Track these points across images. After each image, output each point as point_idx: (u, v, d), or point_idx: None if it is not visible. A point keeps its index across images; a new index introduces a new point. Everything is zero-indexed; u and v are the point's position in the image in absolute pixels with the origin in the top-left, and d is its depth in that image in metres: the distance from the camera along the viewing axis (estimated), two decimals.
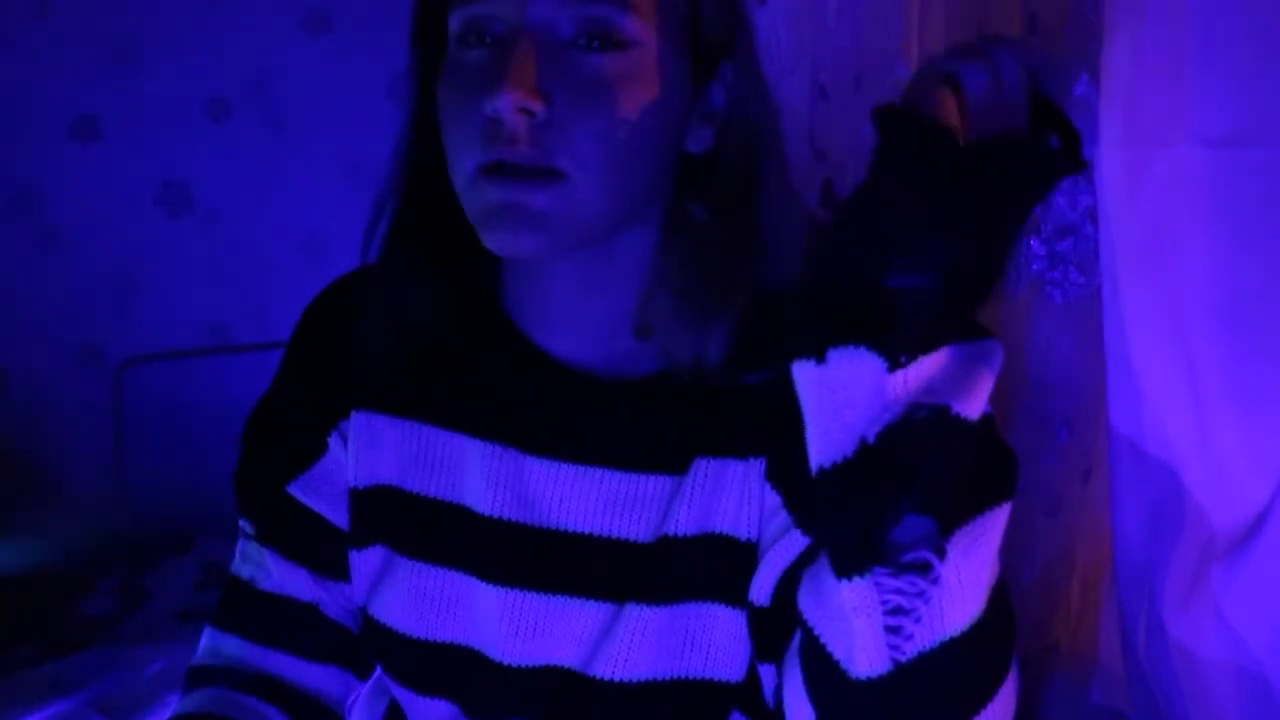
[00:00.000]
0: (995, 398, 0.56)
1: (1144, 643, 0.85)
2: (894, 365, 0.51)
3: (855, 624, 0.52)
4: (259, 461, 0.77)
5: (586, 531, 0.68)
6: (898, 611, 0.52)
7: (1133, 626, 0.87)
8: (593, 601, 0.68)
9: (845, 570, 0.52)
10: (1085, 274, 1.05)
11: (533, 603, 0.69)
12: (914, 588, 0.52)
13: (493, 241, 0.62)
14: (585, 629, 0.69)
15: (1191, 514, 0.81)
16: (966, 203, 0.51)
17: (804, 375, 0.54)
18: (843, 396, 0.52)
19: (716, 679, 0.69)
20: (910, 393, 0.52)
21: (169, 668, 1.63)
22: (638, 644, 0.68)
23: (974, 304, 0.54)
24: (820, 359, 0.52)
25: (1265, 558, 0.75)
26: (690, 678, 0.69)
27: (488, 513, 0.70)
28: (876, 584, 0.52)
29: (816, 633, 0.55)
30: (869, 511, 0.52)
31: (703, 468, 0.67)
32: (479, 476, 0.70)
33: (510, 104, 0.58)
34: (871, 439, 0.52)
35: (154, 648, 1.71)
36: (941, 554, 0.52)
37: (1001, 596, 0.55)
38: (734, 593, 0.67)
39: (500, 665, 0.70)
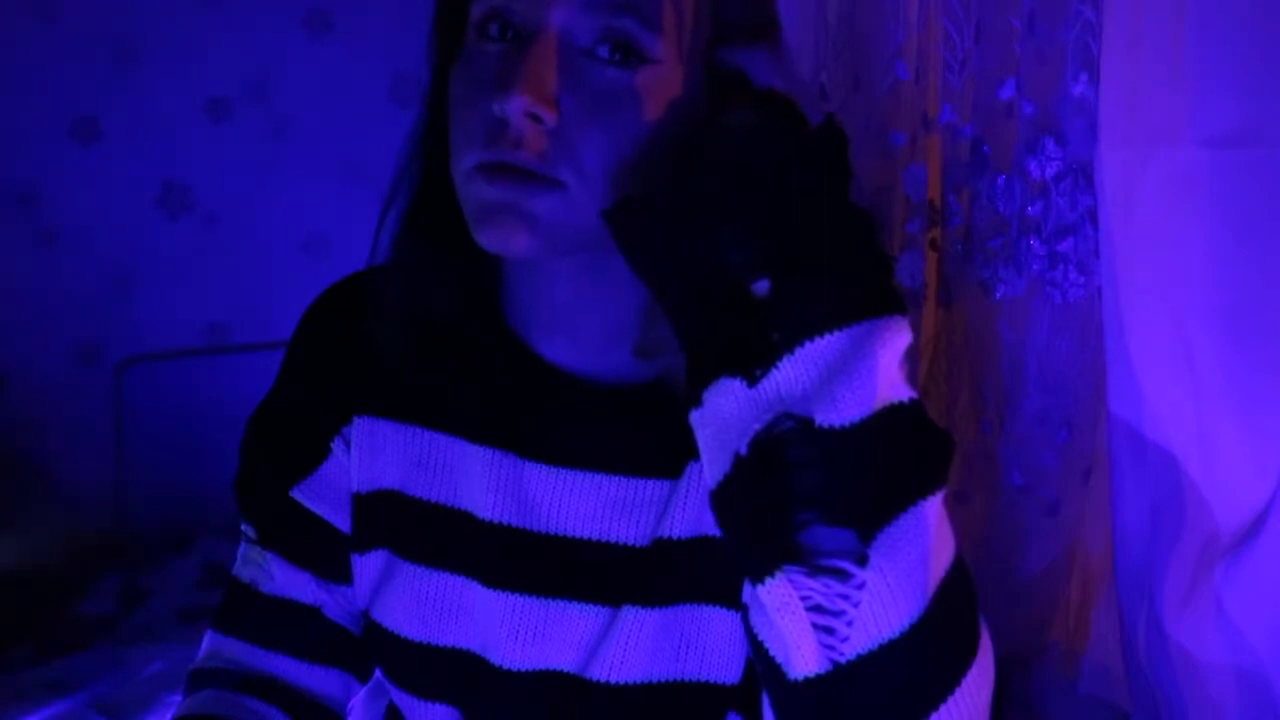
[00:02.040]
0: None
1: (1144, 643, 0.85)
2: (752, 380, 0.52)
3: (781, 624, 0.52)
4: (261, 466, 0.77)
5: (585, 536, 0.68)
6: (820, 610, 0.52)
7: (1133, 626, 0.87)
8: (591, 606, 0.68)
9: (757, 574, 0.53)
10: (1085, 274, 1.05)
11: (532, 607, 0.69)
12: (831, 588, 0.51)
13: (484, 238, 0.61)
14: (583, 633, 0.69)
15: (1191, 514, 0.81)
16: (751, 199, 0.53)
17: (694, 422, 0.56)
18: (721, 424, 0.54)
19: (713, 681, 0.69)
20: (780, 399, 0.52)
21: (169, 668, 1.63)
22: (634, 646, 0.68)
23: (818, 299, 0.53)
24: (698, 404, 0.55)
25: (1265, 558, 0.75)
26: (686, 679, 0.69)
27: (488, 517, 0.70)
28: (791, 581, 0.52)
29: (760, 638, 0.55)
30: (762, 517, 0.53)
31: (697, 471, 0.67)
32: (479, 481, 0.70)
33: (519, 108, 0.57)
34: (743, 450, 0.53)
35: (154, 648, 1.71)
36: (863, 561, 0.51)
37: (953, 591, 0.53)
38: (728, 595, 0.67)
39: (501, 670, 0.70)
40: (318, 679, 0.76)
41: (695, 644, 0.68)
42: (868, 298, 0.53)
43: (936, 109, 1.18)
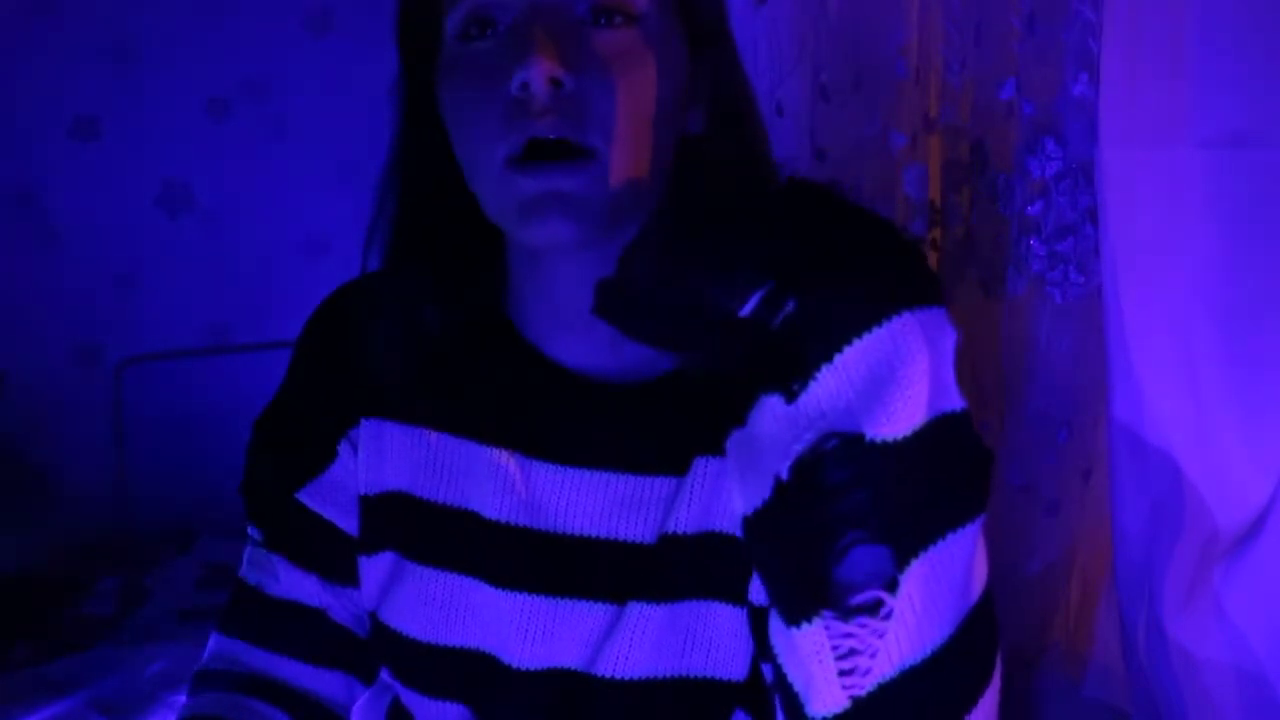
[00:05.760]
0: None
1: (1144, 643, 0.85)
2: (790, 396, 0.49)
3: (810, 668, 0.51)
4: (268, 469, 0.77)
5: (592, 534, 0.69)
6: (851, 654, 0.49)
7: (1133, 626, 0.87)
8: (599, 604, 0.69)
9: (793, 618, 0.51)
10: (1085, 274, 1.05)
11: (541, 606, 0.69)
12: (866, 627, 0.49)
13: (531, 235, 0.61)
14: (591, 630, 0.69)
15: (1191, 514, 0.81)
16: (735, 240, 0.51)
17: (733, 444, 0.53)
18: (758, 444, 0.51)
19: (719, 677, 0.69)
20: (823, 414, 0.48)
21: (169, 668, 1.63)
22: (639, 642, 0.68)
23: (849, 297, 0.48)
24: (742, 424, 0.52)
25: (1265, 558, 0.75)
26: (693, 676, 0.69)
27: (495, 518, 0.70)
28: (826, 628, 0.50)
29: (781, 663, 0.54)
30: (801, 551, 0.49)
31: (702, 467, 0.67)
32: (486, 482, 0.70)
33: (542, 73, 0.57)
34: (785, 474, 0.49)
35: (154, 648, 1.71)
36: (894, 588, 0.48)
37: (979, 617, 0.51)
38: (734, 591, 0.67)
39: (511, 669, 0.70)
40: (322, 681, 0.76)
41: (701, 640, 0.68)
42: (901, 289, 0.48)
43: (936, 109, 1.18)
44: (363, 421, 0.74)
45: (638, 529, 0.68)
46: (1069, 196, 1.05)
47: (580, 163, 0.59)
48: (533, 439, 0.69)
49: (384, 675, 0.78)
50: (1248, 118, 0.74)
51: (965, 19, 1.12)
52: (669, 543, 0.68)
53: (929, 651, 0.50)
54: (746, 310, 0.49)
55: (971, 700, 0.52)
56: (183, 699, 0.77)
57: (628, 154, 0.60)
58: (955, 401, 0.50)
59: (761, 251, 0.50)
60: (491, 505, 0.70)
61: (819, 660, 0.50)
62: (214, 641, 0.78)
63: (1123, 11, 0.81)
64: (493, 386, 0.71)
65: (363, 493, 0.74)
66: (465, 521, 0.71)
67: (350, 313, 0.76)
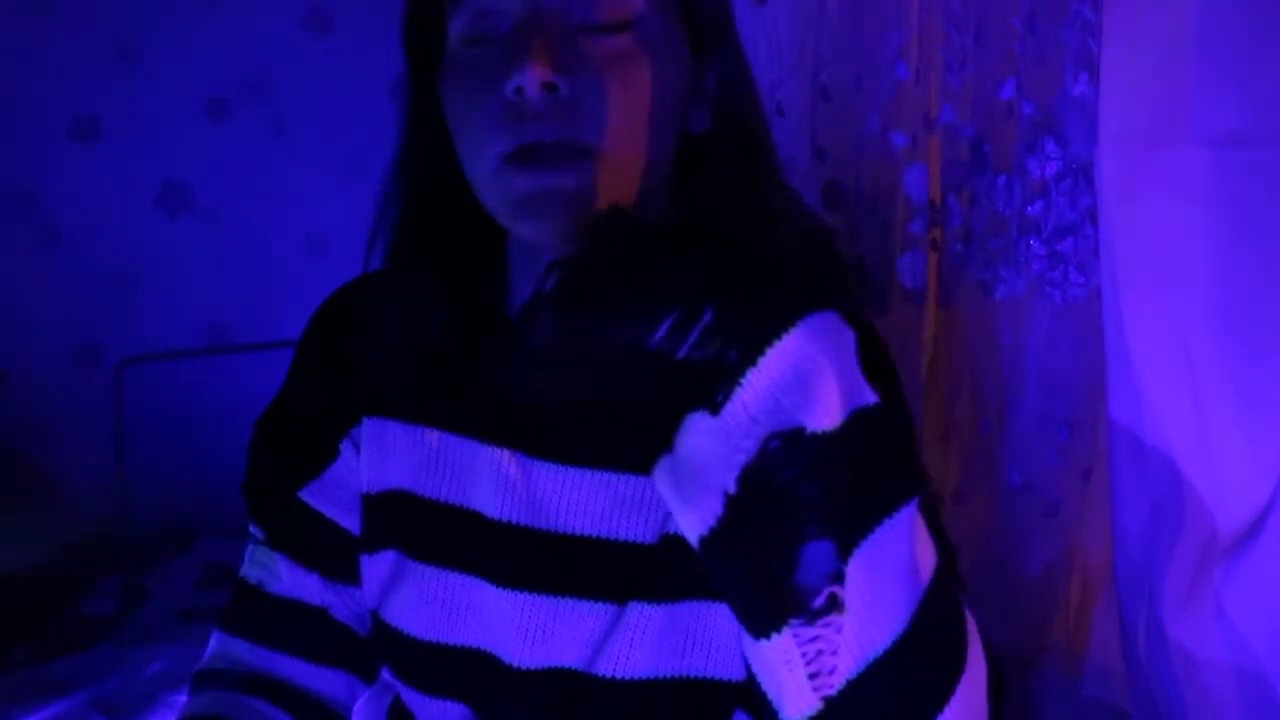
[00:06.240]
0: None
1: (1144, 643, 0.85)
2: (715, 409, 0.49)
3: (780, 676, 0.51)
4: (270, 467, 0.77)
5: (593, 534, 0.69)
6: (819, 656, 0.49)
7: (1133, 626, 0.87)
8: (600, 604, 0.69)
9: (762, 630, 0.51)
10: (1085, 274, 1.05)
11: (541, 606, 0.69)
12: (830, 627, 0.49)
13: (526, 229, 0.62)
14: (591, 630, 0.69)
15: (1191, 514, 0.81)
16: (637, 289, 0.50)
17: (661, 477, 0.52)
18: (694, 466, 0.50)
19: (718, 678, 0.69)
20: (754, 420, 0.48)
21: (169, 668, 1.63)
22: (639, 642, 0.68)
23: (766, 302, 0.49)
24: (668, 450, 0.51)
25: (1265, 558, 0.75)
26: (692, 676, 0.69)
27: (496, 517, 0.70)
28: (795, 635, 0.50)
29: (753, 669, 0.54)
30: (763, 561, 0.49)
31: None
32: (488, 481, 0.70)
33: (535, 78, 0.58)
34: (734, 487, 0.49)
35: (154, 648, 1.71)
36: (840, 579, 0.48)
37: (934, 600, 0.51)
38: None
39: (511, 668, 0.70)
40: (324, 680, 0.76)
41: (701, 640, 0.68)
42: (810, 293, 0.50)
43: (937, 109, 1.18)
44: (365, 420, 0.74)
45: (638, 529, 0.68)
46: (1069, 196, 1.05)
47: (577, 161, 0.60)
48: (534, 438, 0.69)
49: (385, 674, 0.78)
50: (1248, 118, 0.74)
51: (965, 19, 1.12)
52: (669, 543, 0.68)
53: (890, 641, 0.50)
54: (658, 337, 0.49)
55: (946, 690, 0.52)
56: (183, 699, 0.76)
57: (623, 153, 0.61)
58: (869, 395, 0.51)
59: (669, 277, 0.50)
60: (492, 504, 0.70)
61: (789, 668, 0.50)
62: (215, 640, 0.78)
63: (1123, 11, 0.81)
64: (494, 386, 0.71)
65: (364, 491, 0.74)
66: (466, 520, 0.71)
67: (352, 312, 0.76)
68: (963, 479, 1.17)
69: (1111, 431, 0.86)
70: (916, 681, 0.51)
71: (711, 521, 0.50)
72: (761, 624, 0.51)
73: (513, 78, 0.59)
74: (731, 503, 0.49)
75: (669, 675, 0.69)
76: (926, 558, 0.52)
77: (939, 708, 0.52)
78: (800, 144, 1.30)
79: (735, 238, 0.53)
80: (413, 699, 0.75)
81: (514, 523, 0.70)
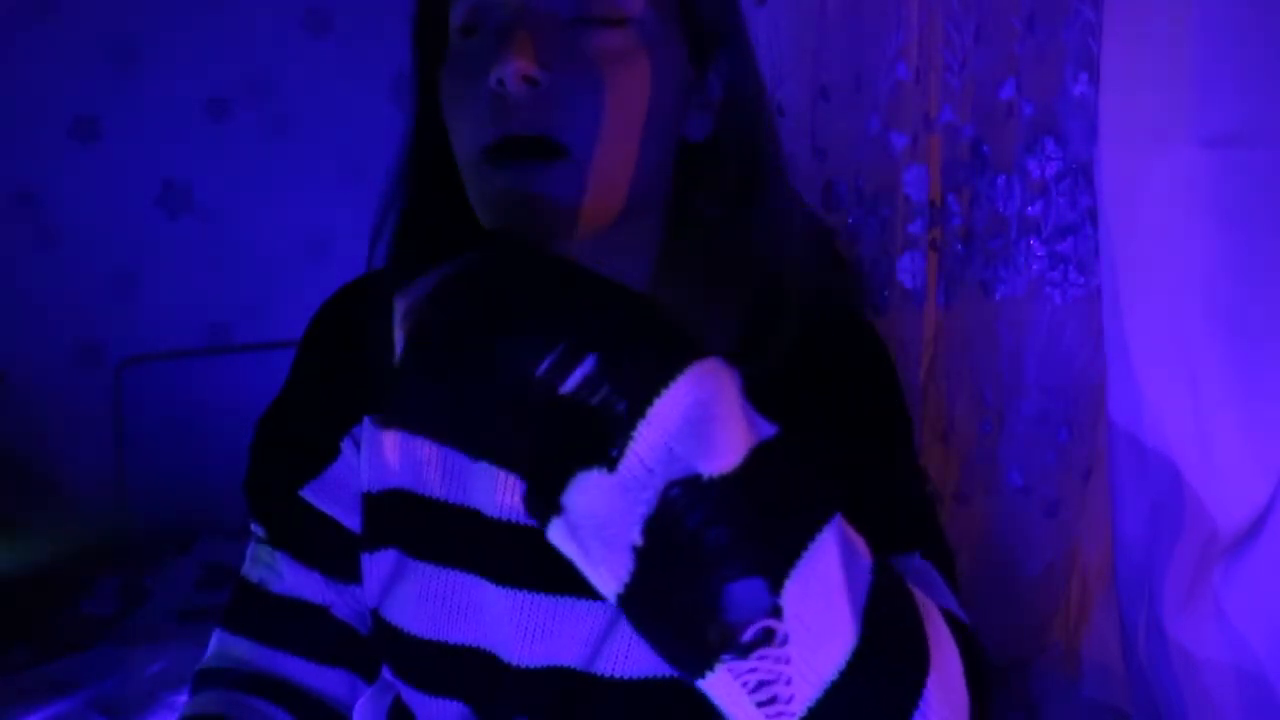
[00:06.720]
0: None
1: (1144, 643, 0.85)
2: (610, 464, 0.48)
3: (732, 711, 0.50)
4: (271, 466, 0.77)
5: None
6: (763, 685, 0.49)
7: (1133, 626, 0.87)
8: (599, 603, 0.69)
9: (696, 671, 0.50)
10: (1085, 274, 1.05)
11: (541, 604, 0.69)
12: (767, 657, 0.48)
13: (498, 227, 0.62)
14: (590, 629, 0.69)
15: (1191, 514, 0.81)
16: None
17: (557, 536, 0.50)
18: (595, 522, 0.49)
19: None
20: (650, 472, 0.47)
21: (169, 668, 1.63)
22: (639, 641, 0.67)
23: (651, 352, 0.49)
24: (559, 512, 0.49)
25: (1265, 558, 0.75)
26: None
27: (496, 515, 0.70)
28: (730, 670, 0.49)
29: (718, 708, 0.53)
30: (682, 607, 0.48)
31: None
32: (488, 480, 0.70)
33: (514, 71, 0.58)
34: (640, 540, 0.48)
35: (154, 648, 1.71)
36: (779, 614, 0.48)
37: (882, 601, 0.51)
38: None
39: (511, 666, 0.70)
40: (325, 679, 0.76)
41: None
42: (685, 346, 0.50)
43: (936, 109, 1.18)
44: (366, 419, 0.74)
45: None
46: (1069, 196, 1.05)
47: (551, 160, 0.59)
48: None
49: (385, 673, 0.78)
50: (1248, 118, 0.74)
51: (965, 19, 1.12)
52: None
53: (844, 659, 0.49)
54: (541, 370, 0.48)
55: (915, 691, 0.51)
56: (183, 699, 0.76)
57: (606, 155, 0.60)
58: (767, 429, 0.51)
59: (554, 313, 0.50)
60: (493, 503, 0.70)
61: (735, 702, 0.50)
62: (216, 640, 0.78)
63: (1123, 11, 0.81)
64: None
65: (365, 490, 0.74)
66: (466, 519, 0.71)
67: (354, 311, 0.76)
68: (963, 479, 1.17)
69: (1111, 431, 0.86)
70: (883, 691, 0.51)
71: (625, 577, 0.49)
72: (695, 665, 0.50)
73: (494, 69, 0.59)
74: (641, 555, 0.48)
75: (668, 674, 0.68)
76: (861, 563, 0.52)
77: (910, 712, 0.51)
78: (800, 144, 1.30)
79: (727, 252, 0.53)
80: (412, 698, 0.75)
81: (514, 521, 0.70)
